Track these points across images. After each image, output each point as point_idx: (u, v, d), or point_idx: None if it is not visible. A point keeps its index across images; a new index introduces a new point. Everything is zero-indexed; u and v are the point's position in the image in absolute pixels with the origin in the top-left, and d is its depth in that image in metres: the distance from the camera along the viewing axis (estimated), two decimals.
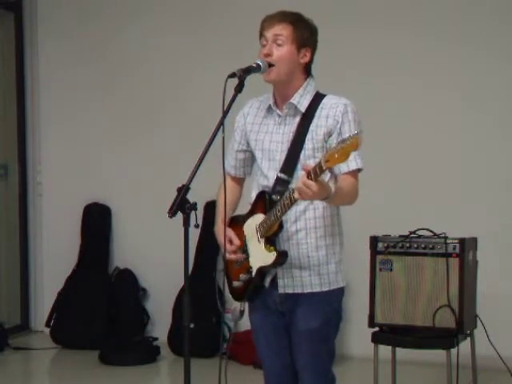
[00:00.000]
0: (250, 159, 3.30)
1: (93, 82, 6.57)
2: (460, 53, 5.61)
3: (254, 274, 3.11)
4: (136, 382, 5.58)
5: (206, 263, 6.13)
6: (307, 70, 3.17)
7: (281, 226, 3.05)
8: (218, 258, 6.11)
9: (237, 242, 3.14)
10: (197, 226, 2.84)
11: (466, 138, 5.64)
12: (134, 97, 6.49)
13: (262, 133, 3.20)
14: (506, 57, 5.55)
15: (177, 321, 6.00)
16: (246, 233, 3.16)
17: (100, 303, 6.34)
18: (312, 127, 3.09)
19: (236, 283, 3.20)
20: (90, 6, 6.63)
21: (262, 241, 3.08)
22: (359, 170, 3.10)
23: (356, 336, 5.63)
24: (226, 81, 2.93)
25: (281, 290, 3.14)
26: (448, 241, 4.29)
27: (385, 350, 4.52)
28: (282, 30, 3.08)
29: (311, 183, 2.77)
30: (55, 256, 6.67)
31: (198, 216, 2.84)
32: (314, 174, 2.76)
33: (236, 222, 3.22)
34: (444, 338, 4.26)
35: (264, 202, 3.10)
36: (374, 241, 4.43)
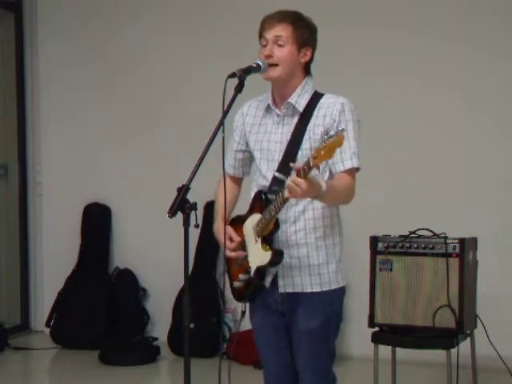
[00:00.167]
0: (248, 159, 3.30)
1: (93, 82, 6.58)
2: (460, 53, 5.61)
3: (252, 273, 3.12)
4: (136, 382, 5.58)
5: (206, 263, 6.13)
6: (307, 69, 3.17)
7: (277, 225, 3.05)
8: (218, 257, 6.11)
9: (237, 238, 3.14)
10: (197, 226, 2.84)
11: (466, 138, 5.64)
12: (134, 97, 6.49)
13: (261, 133, 3.20)
14: (506, 57, 5.55)
15: (177, 321, 6.00)
16: (245, 233, 3.16)
17: (100, 303, 6.34)
18: (310, 126, 3.09)
19: (236, 283, 3.21)
20: (90, 5, 6.63)
21: (259, 240, 3.08)
22: (357, 170, 3.09)
23: (356, 336, 5.63)
24: (226, 81, 2.93)
25: (281, 290, 3.14)
26: (448, 241, 4.29)
27: (385, 350, 4.52)
28: (283, 31, 3.07)
29: (300, 181, 2.76)
30: (55, 256, 6.67)
31: (198, 216, 2.84)
32: (303, 171, 2.75)
33: (237, 223, 3.22)
34: (444, 338, 4.26)
35: (261, 201, 3.10)
36: (374, 241, 4.43)
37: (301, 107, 3.12)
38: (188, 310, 2.87)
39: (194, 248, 6.01)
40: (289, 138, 3.11)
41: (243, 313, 3.26)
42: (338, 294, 3.19)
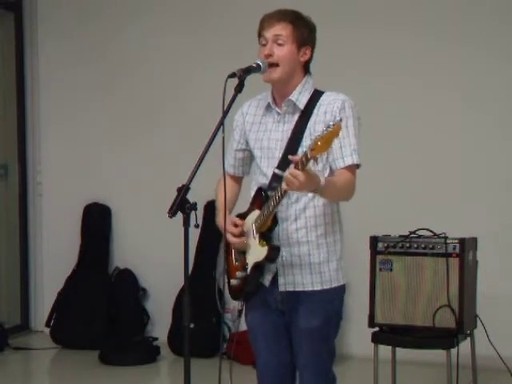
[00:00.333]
0: (248, 158, 3.31)
1: (93, 82, 6.58)
2: (460, 53, 5.61)
3: (249, 270, 3.11)
4: (136, 382, 5.58)
5: (205, 263, 6.13)
6: (306, 68, 3.18)
7: (275, 221, 3.05)
8: (218, 257, 6.11)
9: (240, 223, 3.13)
10: (197, 226, 2.84)
11: (466, 138, 5.64)
12: (134, 97, 6.49)
13: (261, 131, 3.20)
14: (506, 57, 5.55)
15: (177, 321, 6.00)
16: (245, 230, 3.16)
17: (100, 303, 6.34)
18: (310, 124, 3.09)
19: (233, 281, 3.20)
20: (90, 5, 6.63)
21: (257, 236, 3.08)
22: (357, 166, 3.09)
23: (356, 336, 5.63)
24: (226, 81, 2.93)
25: (281, 288, 3.13)
26: (448, 241, 4.29)
27: (385, 350, 4.52)
28: (282, 30, 3.08)
29: (298, 173, 2.76)
30: (55, 256, 6.67)
31: (198, 216, 2.84)
32: (301, 163, 2.76)
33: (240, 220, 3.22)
34: (444, 338, 4.26)
35: (261, 198, 3.10)
36: (374, 241, 4.43)
37: (301, 104, 3.12)
38: (188, 310, 2.87)
39: (194, 248, 6.02)
40: (289, 135, 3.11)
41: (240, 311, 3.26)
42: (339, 293, 3.19)
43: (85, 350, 6.11)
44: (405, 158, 5.74)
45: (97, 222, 6.58)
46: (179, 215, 2.84)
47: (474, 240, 4.45)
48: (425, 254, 4.33)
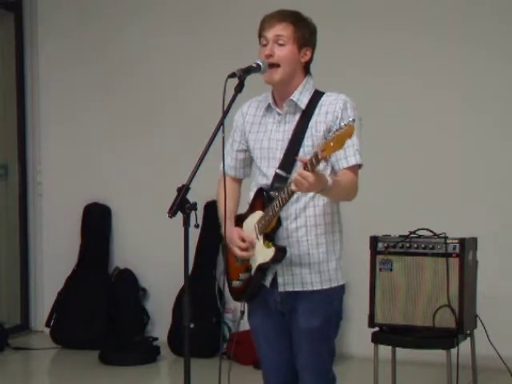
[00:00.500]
0: (249, 159, 3.30)
1: (93, 82, 6.58)
2: (460, 53, 5.61)
3: (253, 271, 3.11)
4: (136, 382, 5.58)
5: (205, 263, 6.13)
6: (307, 69, 3.18)
7: (279, 222, 3.05)
8: (218, 257, 6.11)
9: (248, 238, 3.11)
10: (197, 226, 2.84)
11: (466, 138, 5.64)
12: (134, 97, 6.49)
13: (261, 132, 3.20)
14: (506, 57, 5.55)
15: (177, 321, 6.00)
16: (245, 231, 3.15)
17: (100, 303, 6.34)
18: (311, 124, 3.09)
19: (236, 283, 3.20)
20: (90, 5, 6.63)
21: (261, 237, 3.08)
22: (359, 166, 3.10)
23: (356, 336, 5.63)
24: (226, 81, 2.93)
25: (281, 289, 3.13)
26: (448, 241, 4.29)
27: (385, 350, 4.52)
28: (283, 31, 3.08)
29: (308, 174, 2.76)
30: (55, 256, 6.67)
31: (198, 216, 2.83)
32: (311, 164, 2.76)
33: (237, 222, 3.22)
34: (444, 338, 4.26)
35: (262, 199, 3.10)
36: (374, 241, 4.43)
37: (303, 105, 3.12)
38: (188, 310, 2.86)
39: (194, 248, 6.02)
40: (290, 135, 3.11)
41: (242, 313, 3.26)
42: (338, 292, 3.18)
43: (85, 349, 6.11)
44: (405, 157, 5.74)
45: (97, 222, 6.58)
46: (179, 215, 2.84)
47: (474, 240, 4.45)
48: (425, 254, 4.33)
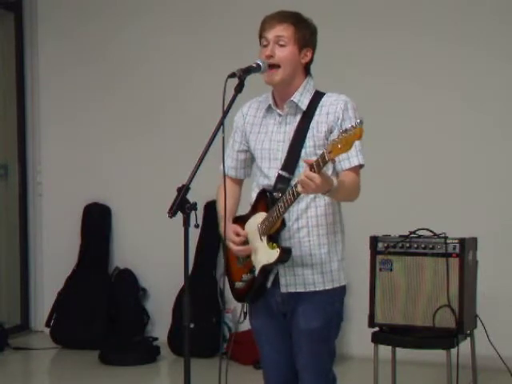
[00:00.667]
0: (250, 160, 3.30)
1: (93, 82, 6.58)
2: (460, 53, 5.61)
3: (257, 272, 3.11)
4: (136, 382, 5.58)
5: (206, 263, 6.13)
6: (307, 70, 3.18)
7: (283, 223, 3.04)
8: (218, 257, 6.11)
9: (243, 233, 3.12)
10: (197, 226, 2.84)
11: (466, 138, 5.64)
12: (134, 97, 6.49)
13: (262, 133, 3.20)
14: (506, 57, 5.55)
15: (177, 321, 6.00)
16: (248, 232, 3.15)
17: (100, 303, 6.34)
18: (313, 124, 3.09)
19: (239, 284, 3.19)
20: (90, 5, 6.63)
21: (265, 239, 3.07)
22: (361, 167, 3.10)
23: (356, 336, 5.63)
24: (226, 81, 2.93)
25: (283, 290, 3.13)
26: (448, 241, 4.29)
27: (385, 350, 4.52)
28: (284, 31, 3.08)
29: (314, 175, 2.77)
30: (55, 256, 6.67)
31: (198, 216, 2.84)
32: (317, 165, 2.76)
33: (238, 223, 3.21)
34: (444, 338, 4.26)
35: (265, 200, 3.09)
36: (374, 241, 4.43)
37: (304, 105, 3.12)
38: (188, 310, 2.86)
39: (194, 248, 6.02)
40: (291, 136, 3.11)
41: (245, 314, 3.25)
42: (339, 293, 3.18)
43: (85, 349, 6.11)
44: (405, 158, 5.74)
45: (97, 222, 6.58)
46: (179, 215, 2.84)
47: (474, 240, 4.45)
48: (425, 254, 4.32)
